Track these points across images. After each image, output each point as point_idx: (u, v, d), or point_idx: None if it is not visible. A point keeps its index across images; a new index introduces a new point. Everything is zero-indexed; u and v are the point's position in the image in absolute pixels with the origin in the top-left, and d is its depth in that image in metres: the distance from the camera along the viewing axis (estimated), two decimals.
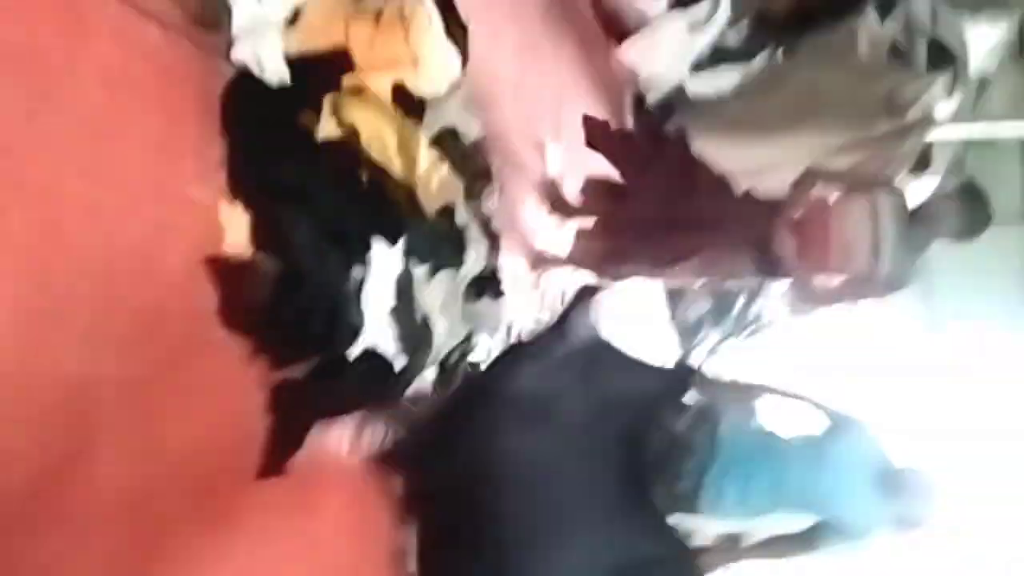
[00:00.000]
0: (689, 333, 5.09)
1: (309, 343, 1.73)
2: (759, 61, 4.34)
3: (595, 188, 3.06)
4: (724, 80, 4.24)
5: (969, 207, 2.65)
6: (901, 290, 2.69)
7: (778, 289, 5.66)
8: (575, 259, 3.05)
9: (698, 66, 4.13)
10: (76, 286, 1.41)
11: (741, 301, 5.36)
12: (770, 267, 2.71)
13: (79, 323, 1.41)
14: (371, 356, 1.88)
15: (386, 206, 1.86)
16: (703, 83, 4.15)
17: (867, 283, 2.63)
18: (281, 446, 1.69)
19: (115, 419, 1.46)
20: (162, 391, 1.56)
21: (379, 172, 1.86)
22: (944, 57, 4.87)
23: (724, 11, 3.91)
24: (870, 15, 4.92)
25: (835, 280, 2.70)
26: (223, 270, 1.66)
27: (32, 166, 1.36)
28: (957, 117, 5.03)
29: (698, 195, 2.83)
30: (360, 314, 1.78)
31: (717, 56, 4.22)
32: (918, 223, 2.62)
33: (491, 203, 2.37)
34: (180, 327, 1.61)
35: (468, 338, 2.34)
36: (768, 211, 2.68)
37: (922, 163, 5.16)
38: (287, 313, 1.68)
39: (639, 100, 4.27)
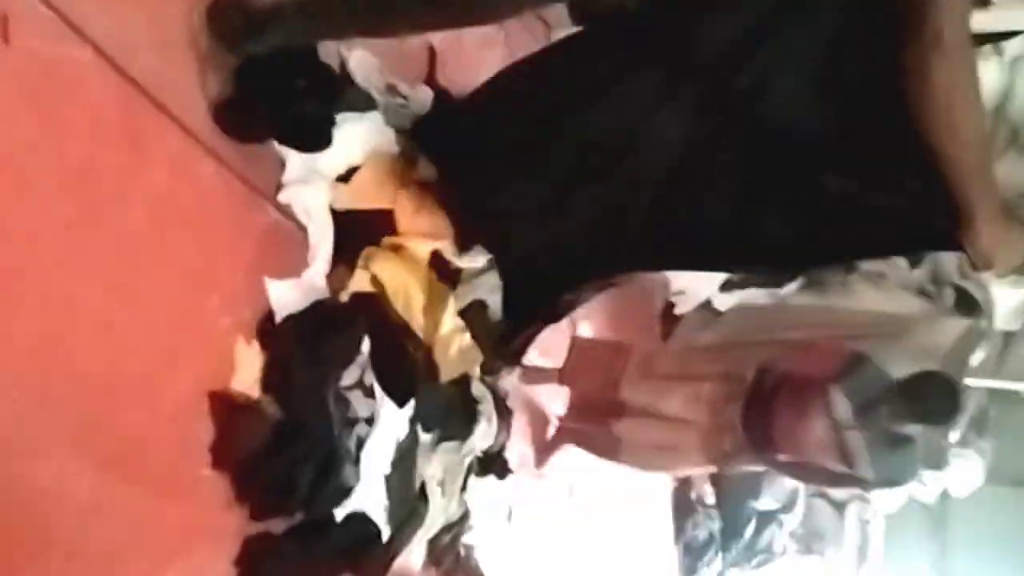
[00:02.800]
0: (694, 553, 4.80)
1: (296, 497, 1.61)
2: (788, 288, 4.37)
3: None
4: (752, 302, 4.26)
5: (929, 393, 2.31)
6: (896, 486, 2.41)
7: (791, 522, 5.40)
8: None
9: (728, 285, 4.16)
10: (69, 398, 1.33)
11: (752, 527, 5.09)
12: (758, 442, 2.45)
13: (63, 435, 1.32)
14: (359, 520, 1.74)
15: (402, 366, 1.80)
16: (731, 301, 4.17)
17: (849, 479, 2.40)
18: None
19: (75, 545, 1.34)
20: (134, 522, 1.44)
21: (400, 331, 1.82)
22: (970, 308, 4.88)
23: None
24: (899, 261, 5.00)
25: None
26: (225, 407, 1.58)
27: (57, 273, 1.33)
28: (981, 370, 4.97)
29: None
30: (355, 474, 1.67)
31: (748, 278, 4.26)
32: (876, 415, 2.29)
33: (509, 382, 2.30)
34: (168, 457, 1.51)
35: (464, 518, 2.19)
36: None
37: None
38: (279, 462, 1.58)
39: (669, 308, 4.29)
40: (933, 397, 2.24)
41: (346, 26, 1.54)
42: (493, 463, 2.28)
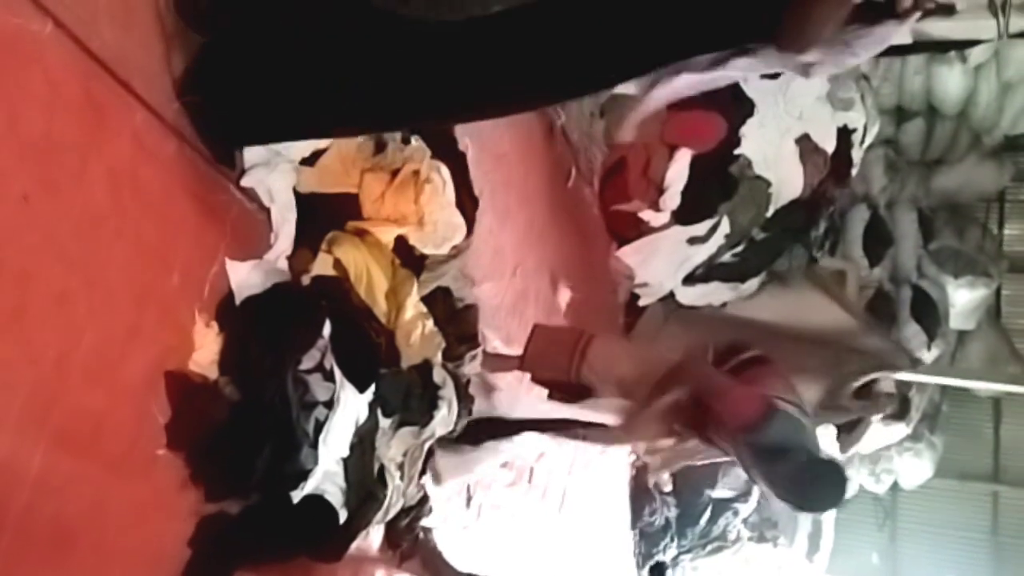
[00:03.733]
0: (650, 539, 4.85)
1: (252, 479, 1.59)
2: (751, 284, 4.41)
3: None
4: (715, 296, 4.29)
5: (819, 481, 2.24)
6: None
7: (746, 510, 5.48)
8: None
9: (692, 278, 4.19)
10: (23, 372, 1.31)
11: (707, 515, 5.16)
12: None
13: (16, 409, 1.30)
14: (316, 502, 1.74)
15: (363, 350, 1.79)
16: (694, 295, 4.20)
17: None
18: None
19: (25, 522, 1.32)
20: (85, 499, 1.42)
21: (362, 315, 1.81)
22: (927, 307, 4.96)
23: (723, 231, 4.00)
24: (860, 261, 5.07)
25: None
26: (182, 387, 1.57)
27: (12, 246, 1.30)
28: (935, 368, 5.06)
29: None
30: (312, 456, 1.66)
31: (712, 272, 4.29)
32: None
33: (470, 368, 2.30)
34: (123, 436, 1.49)
35: (423, 501, 2.19)
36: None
37: (902, 410, 5.12)
38: (236, 443, 1.56)
39: (632, 300, 4.31)
40: (820, 489, 2.21)
41: None
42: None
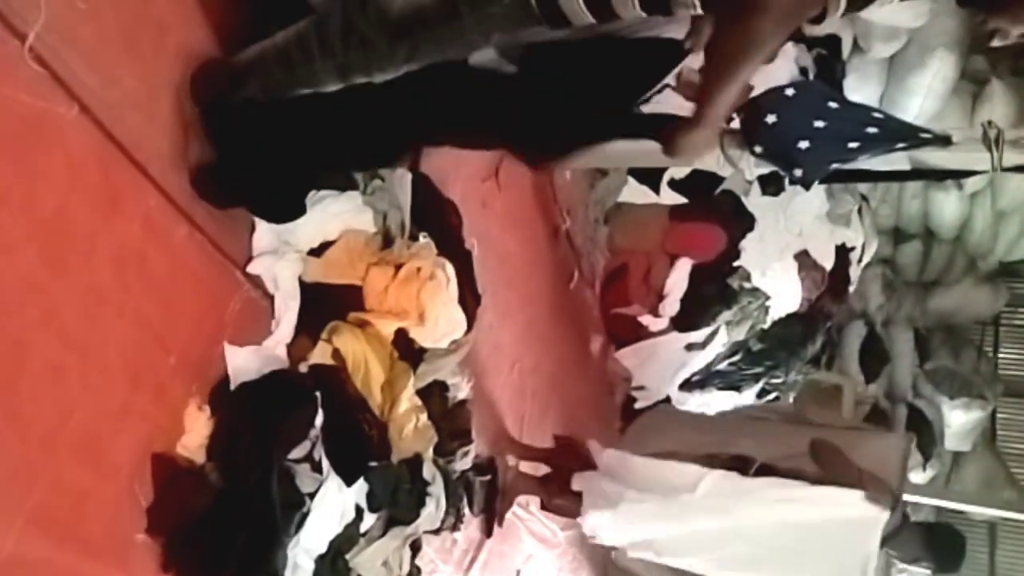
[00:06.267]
0: None
1: (226, 572, 1.53)
2: (748, 392, 4.37)
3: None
4: (713, 405, 4.25)
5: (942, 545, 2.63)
6: None
7: None
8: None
9: (689, 384, 4.15)
10: (9, 445, 1.27)
11: None
12: None
13: None
14: None
15: (354, 443, 1.74)
16: (690, 401, 4.16)
17: None
18: None
19: None
20: None
21: (356, 406, 1.78)
22: (923, 426, 4.88)
23: (721, 340, 3.99)
24: (857, 376, 5.03)
25: None
26: (168, 470, 1.52)
27: (13, 319, 1.29)
28: (931, 489, 4.95)
29: None
30: (289, 552, 1.60)
31: (708, 379, 4.27)
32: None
33: (461, 464, 2.25)
34: (103, 517, 1.44)
35: None
36: None
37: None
38: (214, 533, 1.51)
39: (629, 402, 4.26)
40: (955, 552, 2.66)
41: (324, 73, 1.51)
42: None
